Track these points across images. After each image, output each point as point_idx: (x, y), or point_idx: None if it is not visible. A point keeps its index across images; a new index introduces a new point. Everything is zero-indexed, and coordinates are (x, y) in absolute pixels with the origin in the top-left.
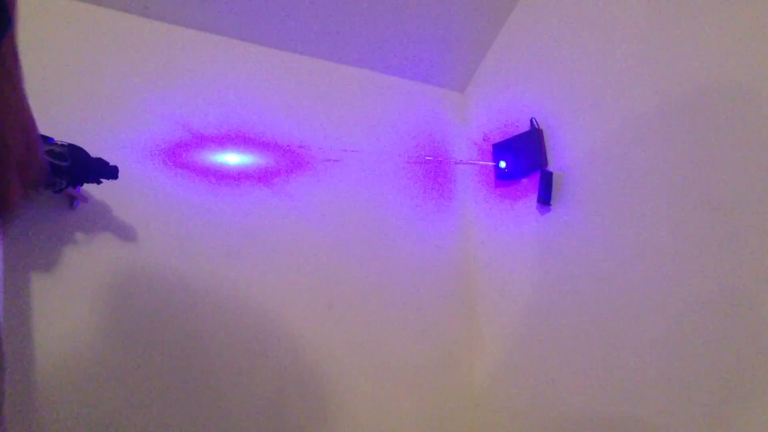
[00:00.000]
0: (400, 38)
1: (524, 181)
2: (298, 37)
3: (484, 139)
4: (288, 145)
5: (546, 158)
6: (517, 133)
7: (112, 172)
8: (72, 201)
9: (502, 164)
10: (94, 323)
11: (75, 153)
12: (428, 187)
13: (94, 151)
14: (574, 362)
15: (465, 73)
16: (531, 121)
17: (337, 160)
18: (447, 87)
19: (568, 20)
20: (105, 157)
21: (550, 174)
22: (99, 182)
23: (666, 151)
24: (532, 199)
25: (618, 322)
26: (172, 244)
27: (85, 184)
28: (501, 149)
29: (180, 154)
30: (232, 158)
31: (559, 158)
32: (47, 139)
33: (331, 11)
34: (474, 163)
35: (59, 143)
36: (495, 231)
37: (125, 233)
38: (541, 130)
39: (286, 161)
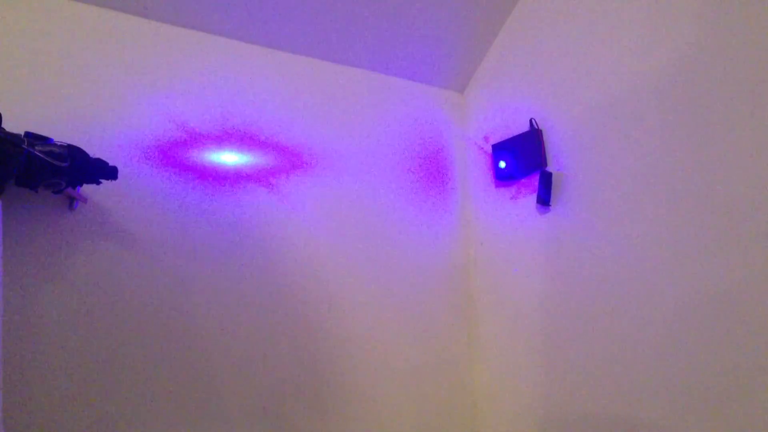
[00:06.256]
0: (400, 39)
1: (524, 181)
2: (297, 37)
3: (483, 140)
4: (287, 146)
5: (545, 158)
6: (516, 133)
7: (111, 173)
8: (71, 201)
9: (502, 164)
10: (93, 323)
11: (74, 154)
12: (428, 187)
13: (93, 152)
14: (573, 362)
15: (465, 73)
16: (530, 121)
17: (337, 161)
18: (447, 87)
19: (567, 21)
20: (104, 158)
21: (550, 174)
22: (98, 183)
23: (666, 151)
24: (532, 200)
25: (618, 321)
26: (171, 244)
27: (84, 185)
28: (500, 149)
29: (179, 154)
30: (231, 158)
31: (558, 158)
32: (47, 140)
33: (330, 12)
34: (474, 164)
35: (59, 144)
36: (495, 231)
37: (124, 234)
38: (541, 131)
39: (286, 161)
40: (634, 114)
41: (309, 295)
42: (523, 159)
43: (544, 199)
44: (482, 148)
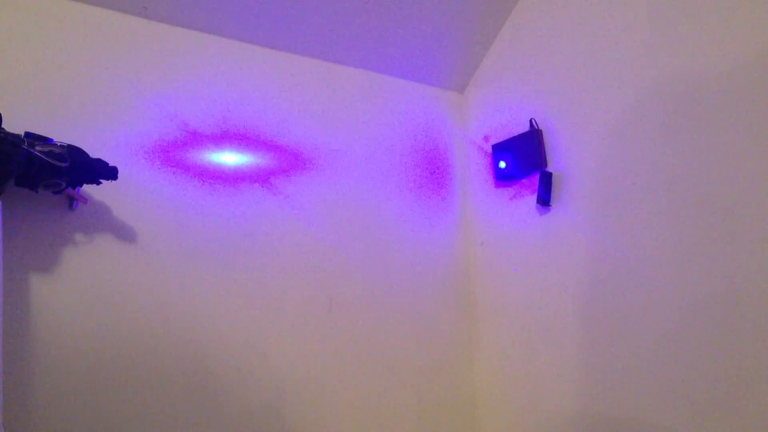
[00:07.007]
0: (400, 39)
1: (524, 181)
2: (297, 38)
3: (483, 140)
4: (287, 146)
5: (545, 159)
6: (516, 133)
7: (111, 173)
8: (71, 202)
9: (502, 164)
10: (94, 323)
11: (74, 154)
12: (428, 187)
13: (93, 152)
14: (573, 362)
15: (465, 73)
16: (530, 121)
17: (337, 161)
18: (447, 87)
19: (567, 21)
20: (104, 158)
21: (550, 174)
22: (98, 183)
23: (666, 151)
24: (532, 200)
25: (618, 322)
26: (170, 245)
27: (84, 185)
28: (500, 150)
29: (179, 154)
30: (231, 158)
31: (558, 158)
32: (47, 140)
33: (330, 12)
34: (474, 164)
35: (59, 144)
36: (494, 231)
37: (124, 234)
38: (541, 131)
39: (286, 161)
40: (635, 114)
41: (309, 295)
42: (523, 159)
43: (544, 199)
44: (482, 148)
